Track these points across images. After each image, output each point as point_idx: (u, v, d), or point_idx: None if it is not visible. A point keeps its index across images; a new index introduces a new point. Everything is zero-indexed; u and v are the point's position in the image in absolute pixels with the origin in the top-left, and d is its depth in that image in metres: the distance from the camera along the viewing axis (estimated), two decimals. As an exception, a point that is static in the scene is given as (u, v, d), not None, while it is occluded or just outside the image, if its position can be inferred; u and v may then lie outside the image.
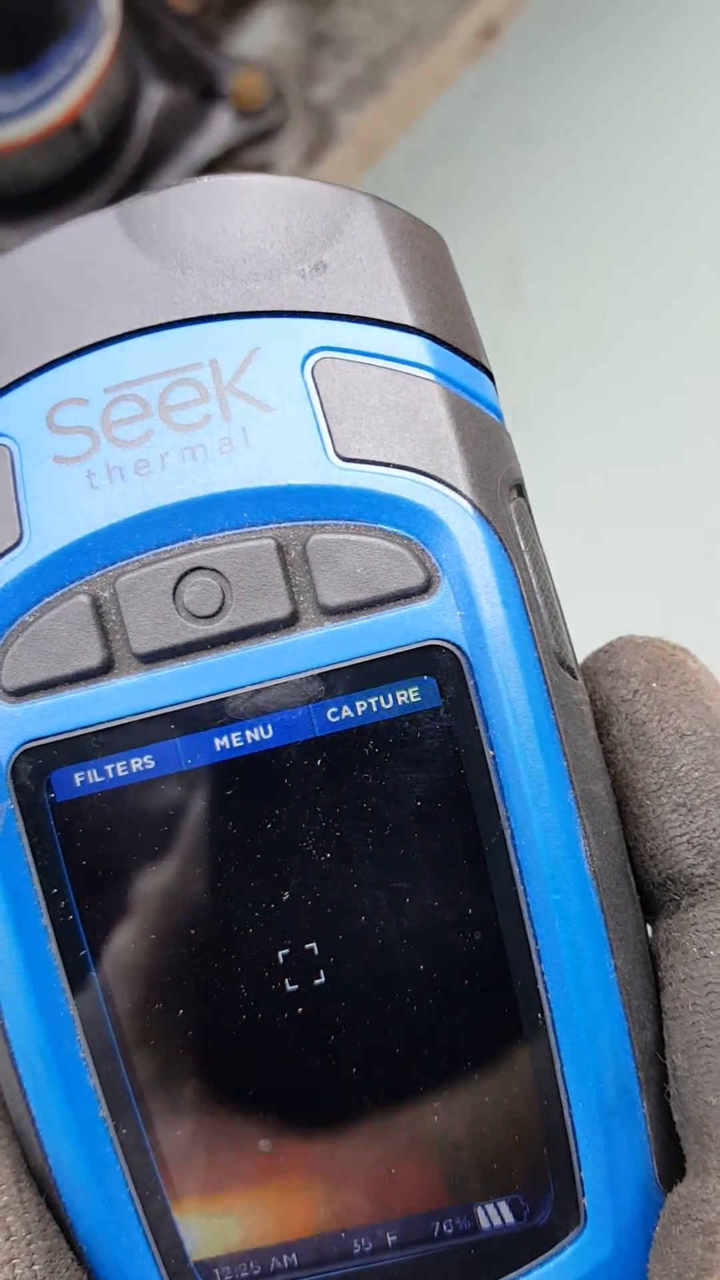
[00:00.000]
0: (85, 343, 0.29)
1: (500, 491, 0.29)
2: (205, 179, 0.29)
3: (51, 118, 0.70)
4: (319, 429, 0.28)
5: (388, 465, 0.28)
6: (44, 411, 0.28)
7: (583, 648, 0.31)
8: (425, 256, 0.30)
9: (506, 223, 0.77)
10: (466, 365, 0.30)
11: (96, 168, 0.78)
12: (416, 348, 0.29)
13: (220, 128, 0.80)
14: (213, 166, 0.80)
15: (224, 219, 0.29)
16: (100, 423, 0.28)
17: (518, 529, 0.29)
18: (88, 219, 0.29)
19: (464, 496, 0.28)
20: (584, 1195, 0.28)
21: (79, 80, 0.70)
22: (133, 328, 0.29)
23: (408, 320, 0.29)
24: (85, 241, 0.29)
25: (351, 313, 0.29)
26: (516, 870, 0.28)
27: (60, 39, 0.68)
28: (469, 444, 0.28)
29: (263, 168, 0.84)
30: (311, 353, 0.29)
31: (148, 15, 0.78)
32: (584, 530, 0.76)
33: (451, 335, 0.29)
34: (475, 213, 0.77)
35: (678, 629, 0.34)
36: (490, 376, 0.30)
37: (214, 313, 0.29)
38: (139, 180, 0.79)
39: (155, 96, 0.79)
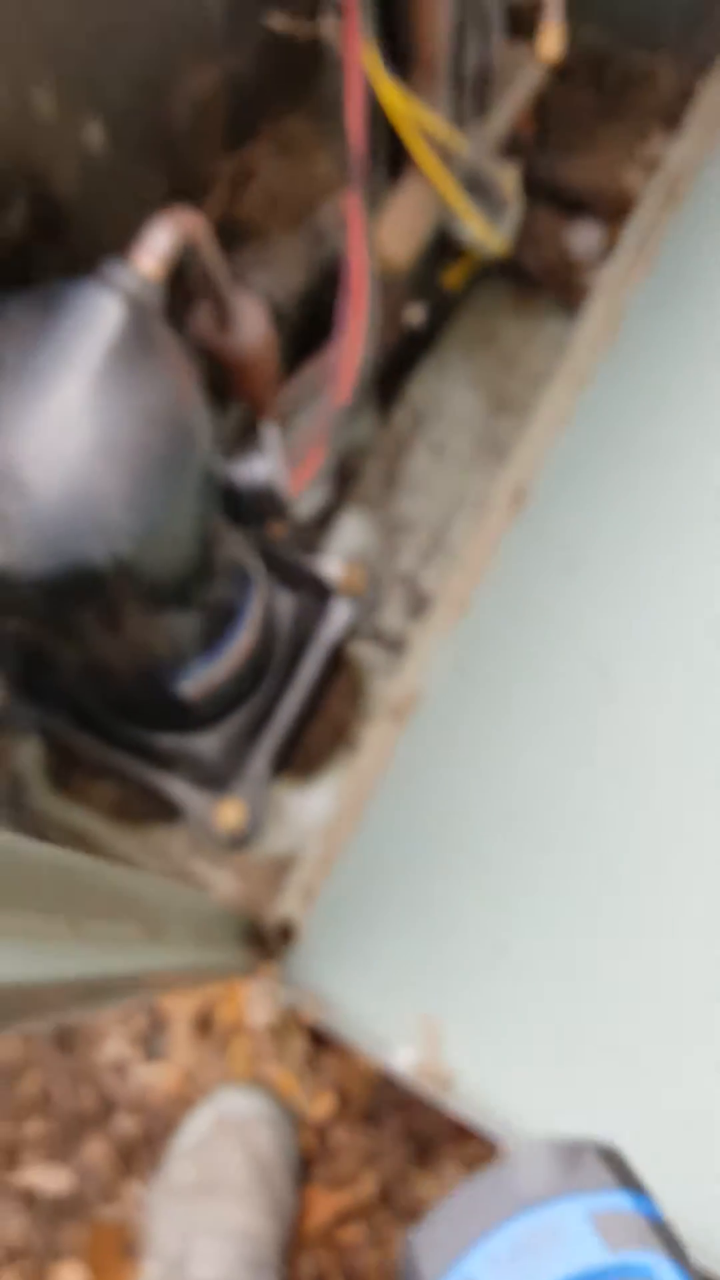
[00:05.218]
0: None
1: None
2: None
3: (237, 656, 0.94)
4: None
5: None
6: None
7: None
8: None
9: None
10: None
11: (260, 668, 1.02)
12: None
13: (340, 614, 1.04)
14: (341, 645, 1.04)
15: None
16: None
17: None
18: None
19: None
20: None
21: (242, 635, 0.94)
22: None
23: None
24: None
25: None
26: None
27: (232, 621, 0.92)
28: None
29: (377, 637, 1.09)
30: None
31: (265, 541, 1.04)
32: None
33: None
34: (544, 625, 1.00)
35: None
36: None
37: None
38: (292, 670, 1.02)
39: (286, 605, 1.04)
